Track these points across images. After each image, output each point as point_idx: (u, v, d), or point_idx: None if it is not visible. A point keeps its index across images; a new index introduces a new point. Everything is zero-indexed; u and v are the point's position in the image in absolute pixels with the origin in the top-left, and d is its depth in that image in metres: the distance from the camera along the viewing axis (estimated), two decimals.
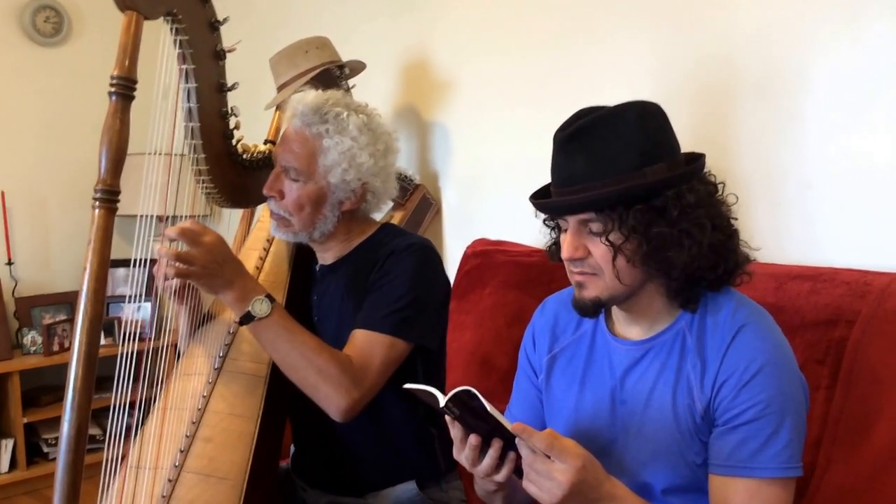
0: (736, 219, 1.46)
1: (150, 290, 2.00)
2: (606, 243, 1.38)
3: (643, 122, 1.38)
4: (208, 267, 1.72)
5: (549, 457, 1.28)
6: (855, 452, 1.63)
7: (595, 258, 1.41)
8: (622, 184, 1.35)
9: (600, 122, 1.38)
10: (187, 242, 1.70)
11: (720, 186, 1.45)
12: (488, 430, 1.32)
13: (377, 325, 1.83)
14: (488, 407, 1.26)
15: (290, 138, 1.91)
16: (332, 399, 1.75)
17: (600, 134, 1.38)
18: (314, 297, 2.04)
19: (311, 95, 1.94)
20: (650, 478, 1.46)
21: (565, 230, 1.44)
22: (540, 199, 1.48)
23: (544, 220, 1.56)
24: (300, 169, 1.89)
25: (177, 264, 1.69)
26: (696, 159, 1.44)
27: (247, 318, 1.75)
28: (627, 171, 1.35)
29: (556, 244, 1.55)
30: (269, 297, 1.76)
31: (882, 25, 1.87)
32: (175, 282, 1.81)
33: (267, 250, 2.13)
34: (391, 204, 3.06)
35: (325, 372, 1.74)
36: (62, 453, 1.37)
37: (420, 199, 3.08)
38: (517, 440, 1.30)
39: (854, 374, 1.67)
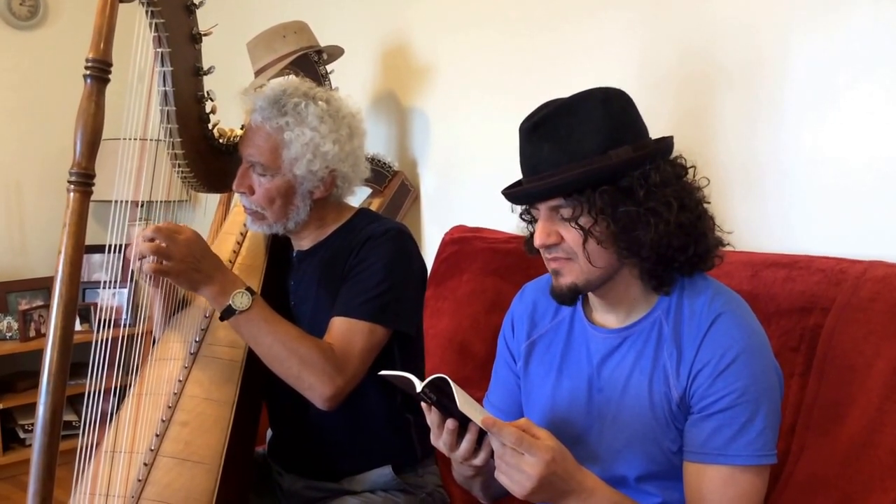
0: (709, 203, 1.46)
1: (125, 276, 1.98)
2: (576, 227, 1.38)
3: (607, 107, 1.39)
4: (186, 261, 1.72)
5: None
6: (828, 439, 1.64)
7: (568, 243, 1.41)
8: (587, 167, 1.35)
9: (564, 110, 1.39)
10: (164, 240, 1.70)
11: (691, 171, 1.46)
12: (465, 414, 1.32)
13: (356, 312, 1.83)
14: (458, 402, 1.26)
15: (252, 133, 1.90)
16: (317, 388, 1.76)
17: (564, 121, 1.38)
18: (291, 282, 2.04)
19: (268, 88, 1.93)
20: (625, 465, 1.47)
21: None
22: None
23: (521, 215, 1.56)
24: (265, 164, 1.88)
25: (154, 260, 1.69)
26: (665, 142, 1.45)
27: (228, 313, 1.75)
28: (592, 154, 1.36)
29: (533, 237, 1.55)
30: (248, 289, 1.76)
31: (859, 15, 1.87)
32: (149, 265, 1.79)
33: (244, 234, 2.13)
34: (368, 190, 3.06)
35: (309, 361, 1.75)
36: (37, 436, 1.36)
37: (399, 185, 3.08)
38: (488, 433, 1.30)
39: (828, 362, 1.68)
